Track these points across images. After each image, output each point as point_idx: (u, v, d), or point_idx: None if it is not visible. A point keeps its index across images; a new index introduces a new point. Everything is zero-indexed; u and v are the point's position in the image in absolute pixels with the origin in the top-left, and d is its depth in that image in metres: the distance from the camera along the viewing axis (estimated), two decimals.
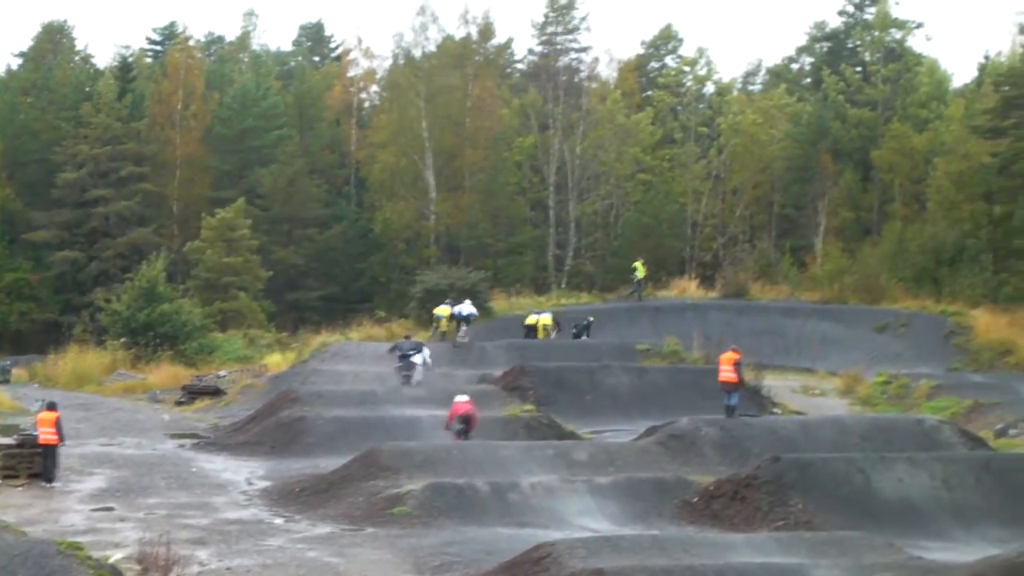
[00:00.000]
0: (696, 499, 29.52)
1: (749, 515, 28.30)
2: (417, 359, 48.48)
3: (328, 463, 34.56)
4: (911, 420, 39.34)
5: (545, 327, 61.30)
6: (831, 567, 21.93)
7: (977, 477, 30.50)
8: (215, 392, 54.39)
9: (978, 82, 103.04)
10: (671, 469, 32.83)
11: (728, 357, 39.39)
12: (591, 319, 62.22)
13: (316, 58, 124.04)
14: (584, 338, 60.54)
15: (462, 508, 28.74)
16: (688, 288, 74.20)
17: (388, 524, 27.88)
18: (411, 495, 29.20)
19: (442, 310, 59.91)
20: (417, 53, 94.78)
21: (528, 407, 42.05)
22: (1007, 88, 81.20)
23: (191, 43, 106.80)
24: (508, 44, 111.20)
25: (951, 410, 45.98)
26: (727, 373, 39.00)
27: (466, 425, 37.21)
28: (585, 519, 28.67)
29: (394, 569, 24.16)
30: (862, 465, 30.33)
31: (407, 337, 51.71)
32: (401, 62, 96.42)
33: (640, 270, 70.95)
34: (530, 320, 62.11)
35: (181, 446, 41.36)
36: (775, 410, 45.23)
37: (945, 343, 60.49)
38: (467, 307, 58.79)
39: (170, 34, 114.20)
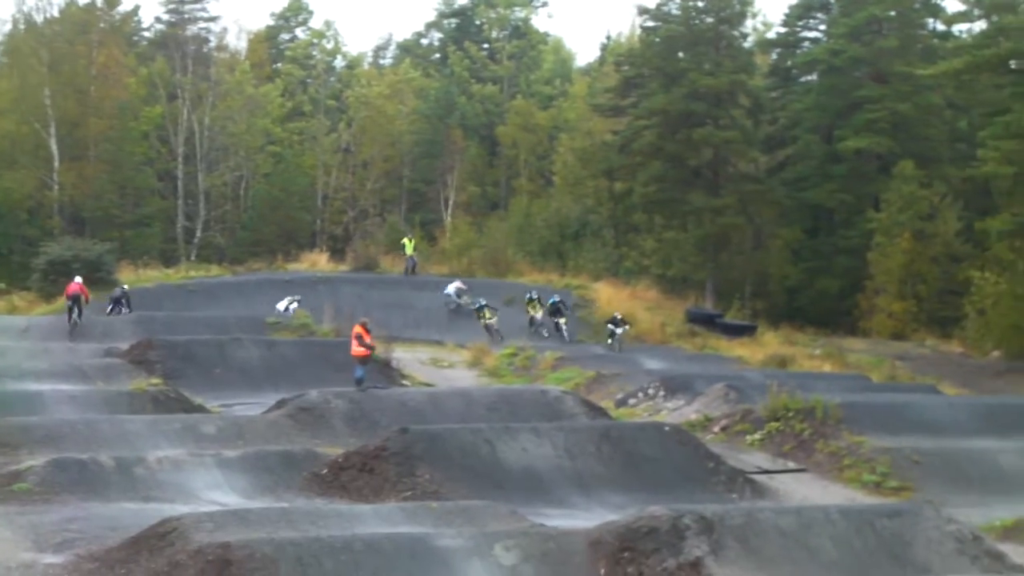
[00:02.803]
0: (325, 471, 29.53)
1: (377, 486, 28.47)
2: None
3: None
4: (536, 391, 40.21)
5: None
6: (455, 536, 22.28)
7: (597, 446, 31.40)
8: None
9: (600, 61, 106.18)
10: (300, 441, 32.75)
11: (357, 330, 39.53)
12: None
13: None
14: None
15: (86, 484, 28.03)
16: (319, 261, 74.11)
17: (7, 501, 26.98)
18: (32, 471, 28.31)
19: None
20: (39, 18, 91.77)
21: (155, 381, 41.30)
22: (626, 68, 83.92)
23: None
24: (135, 11, 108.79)
25: (574, 381, 47.20)
26: (356, 346, 39.14)
27: (75, 303, 49.97)
28: (213, 493, 28.36)
29: (13, 547, 23.43)
30: (488, 436, 30.86)
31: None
32: (22, 27, 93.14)
33: (408, 246, 70.89)
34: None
35: None
36: (404, 382, 45.61)
37: (570, 316, 62.09)
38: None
39: None
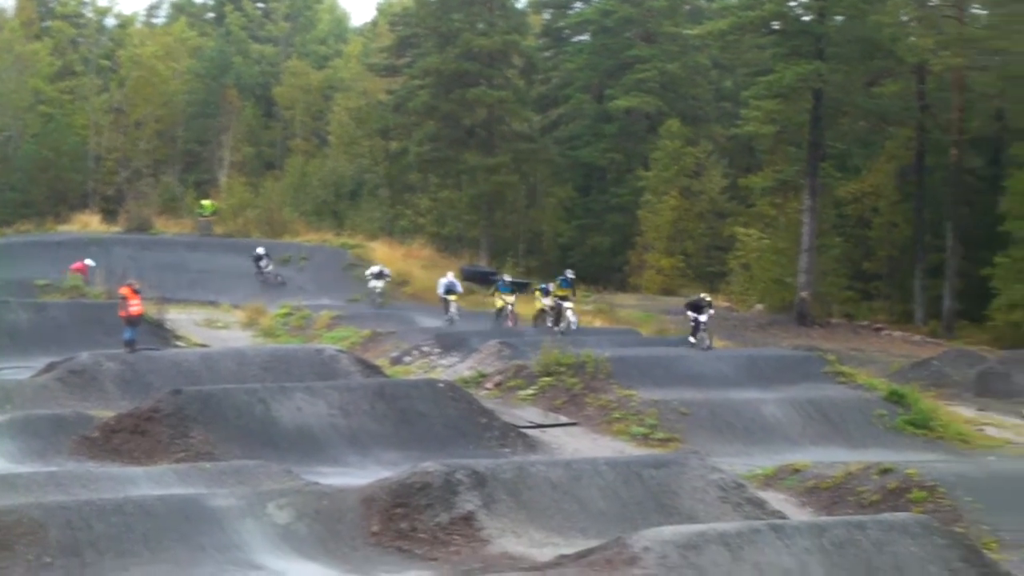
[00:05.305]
0: (96, 434, 29.28)
1: (150, 448, 28.36)
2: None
3: None
4: (310, 350, 40.27)
5: None
6: (228, 496, 22.41)
7: (372, 403, 31.64)
8: None
9: (375, 21, 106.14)
10: (71, 405, 32.38)
11: (124, 292, 39.06)
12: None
13: None
14: None
15: None
16: (91, 222, 72.78)
17: None
18: None
19: None
20: None
21: None
22: (401, 28, 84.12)
23: None
24: None
25: (350, 340, 47.37)
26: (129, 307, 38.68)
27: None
28: None
29: None
30: (263, 395, 30.89)
31: None
32: None
33: (207, 207, 69.98)
34: None
35: None
36: (178, 343, 45.28)
37: (346, 275, 62.20)
38: None
39: None
